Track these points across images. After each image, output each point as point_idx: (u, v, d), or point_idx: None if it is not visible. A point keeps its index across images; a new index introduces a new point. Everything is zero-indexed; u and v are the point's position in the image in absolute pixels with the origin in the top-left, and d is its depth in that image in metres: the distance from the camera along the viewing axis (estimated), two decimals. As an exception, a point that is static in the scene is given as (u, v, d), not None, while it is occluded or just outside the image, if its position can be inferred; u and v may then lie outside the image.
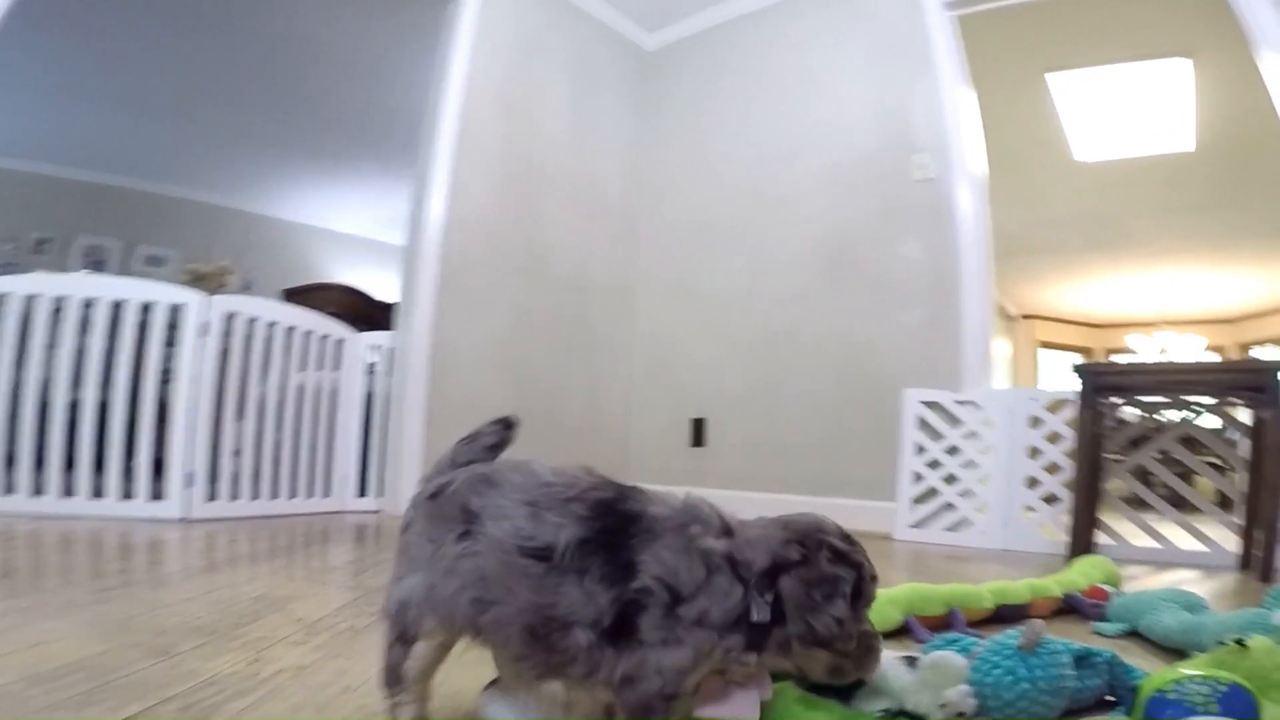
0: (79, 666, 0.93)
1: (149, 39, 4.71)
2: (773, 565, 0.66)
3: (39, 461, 2.54)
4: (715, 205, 4.08)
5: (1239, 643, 0.79)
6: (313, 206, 7.64)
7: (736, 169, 4.04)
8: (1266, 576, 2.12)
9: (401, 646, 0.72)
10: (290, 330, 3.03)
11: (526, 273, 3.70)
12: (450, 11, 3.56)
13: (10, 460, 2.51)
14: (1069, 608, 1.49)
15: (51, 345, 2.60)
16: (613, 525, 0.65)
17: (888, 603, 1.24)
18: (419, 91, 3.63)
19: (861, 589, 0.69)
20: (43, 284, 2.66)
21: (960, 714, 0.76)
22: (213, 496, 2.73)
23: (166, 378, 2.71)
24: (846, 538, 0.70)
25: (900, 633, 1.25)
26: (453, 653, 0.75)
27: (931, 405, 3.06)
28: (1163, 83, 4.75)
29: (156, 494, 2.64)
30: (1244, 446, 2.41)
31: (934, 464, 3.01)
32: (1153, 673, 0.78)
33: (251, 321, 2.90)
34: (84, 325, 2.65)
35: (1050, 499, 2.74)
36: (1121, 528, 2.63)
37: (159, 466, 2.67)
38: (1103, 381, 2.44)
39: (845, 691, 0.79)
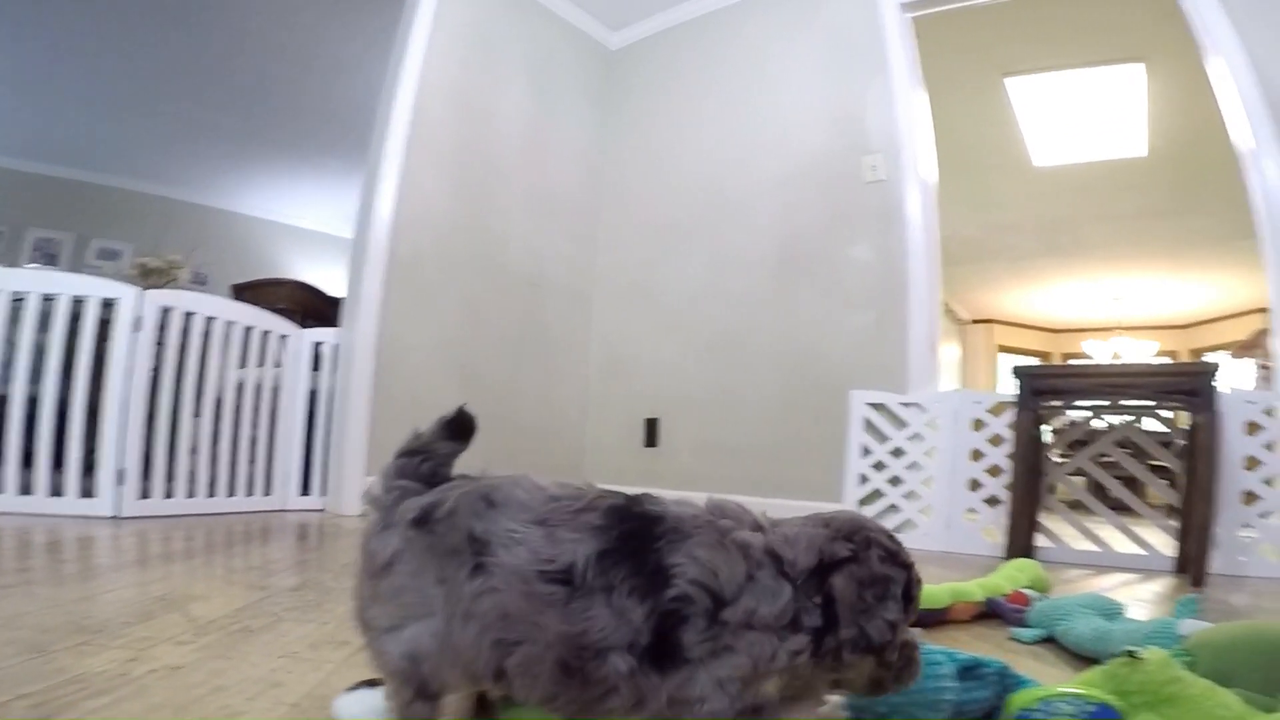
0: (-57, 665, 0.89)
1: (103, 32, 4.63)
2: (820, 563, 0.60)
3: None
4: (674, 206, 4.07)
5: (1131, 654, 0.78)
6: (272, 201, 7.57)
7: (694, 170, 4.03)
8: (1198, 581, 2.13)
9: (425, 704, 0.63)
10: (230, 325, 2.97)
11: (479, 271, 3.66)
12: (407, 8, 3.52)
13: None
14: (991, 612, 1.49)
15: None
16: (634, 530, 0.59)
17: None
18: (378, 87, 3.59)
19: (911, 592, 0.64)
20: (-31, 276, 2.58)
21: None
22: (146, 494, 2.67)
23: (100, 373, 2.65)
24: (892, 536, 0.66)
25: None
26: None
27: (877, 407, 3.07)
28: (1117, 88, 4.80)
29: (87, 491, 2.57)
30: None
31: (879, 466, 3.01)
32: (1027, 689, 0.77)
33: (189, 316, 2.84)
34: (13, 319, 2.58)
35: (992, 501, 2.75)
36: (1062, 531, 2.65)
37: (90, 463, 2.60)
38: (1040, 384, 2.45)
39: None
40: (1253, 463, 2.43)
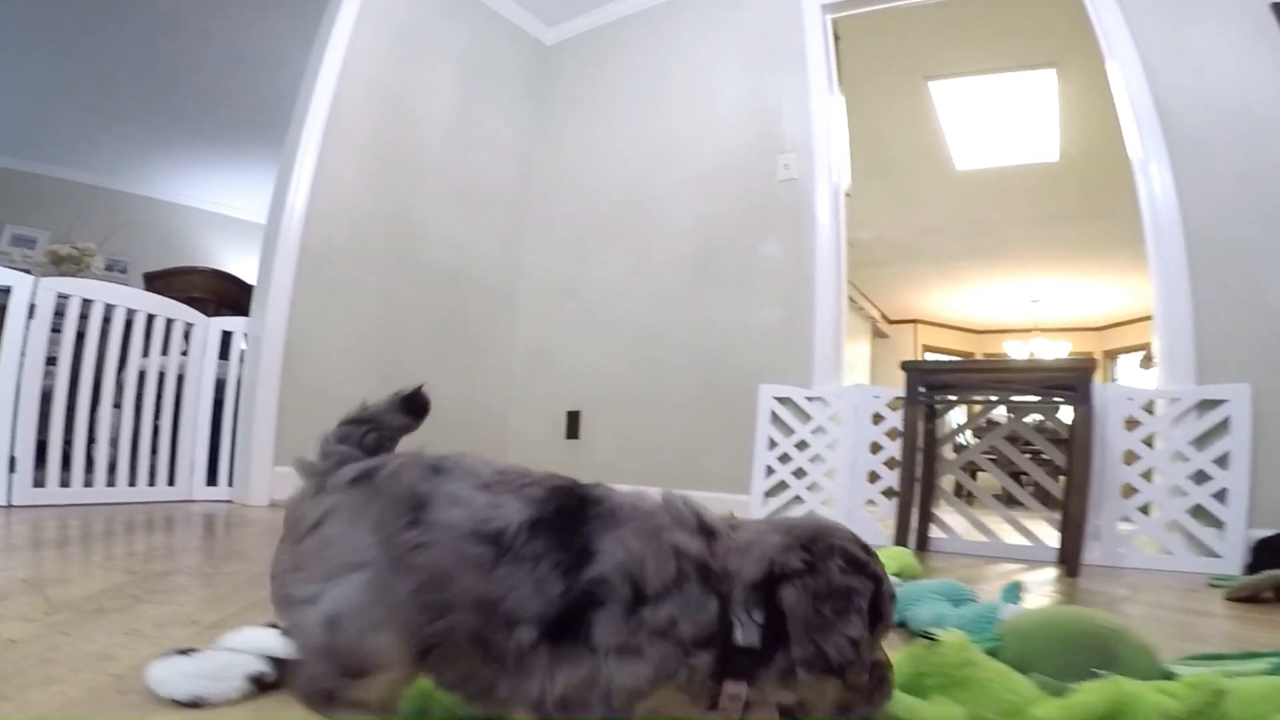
0: None
1: (22, 16, 4.50)
2: (769, 575, 0.56)
3: None
4: (600, 203, 4.11)
5: (928, 637, 0.79)
6: (198, 188, 7.42)
7: (621, 167, 4.07)
8: (1073, 571, 2.23)
9: (350, 682, 0.55)
10: (132, 314, 2.92)
11: (398, 264, 3.65)
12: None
13: None
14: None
15: None
16: (570, 506, 0.57)
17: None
18: (301, 76, 3.55)
19: (880, 607, 0.59)
20: None
21: None
22: (40, 483, 2.61)
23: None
24: (863, 546, 0.61)
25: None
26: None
27: (784, 401, 3.14)
28: (1030, 93, 4.95)
29: (-23, 481, 2.51)
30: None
31: (785, 458, 3.08)
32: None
33: (87, 304, 2.78)
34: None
35: (890, 493, 2.83)
36: (955, 522, 2.75)
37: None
38: (928, 380, 2.54)
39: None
40: (1131, 457, 2.55)
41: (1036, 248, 7.38)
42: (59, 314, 2.69)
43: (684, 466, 3.49)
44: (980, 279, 8.49)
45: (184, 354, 3.10)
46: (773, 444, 3.13)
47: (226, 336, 3.22)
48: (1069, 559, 2.21)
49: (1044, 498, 3.29)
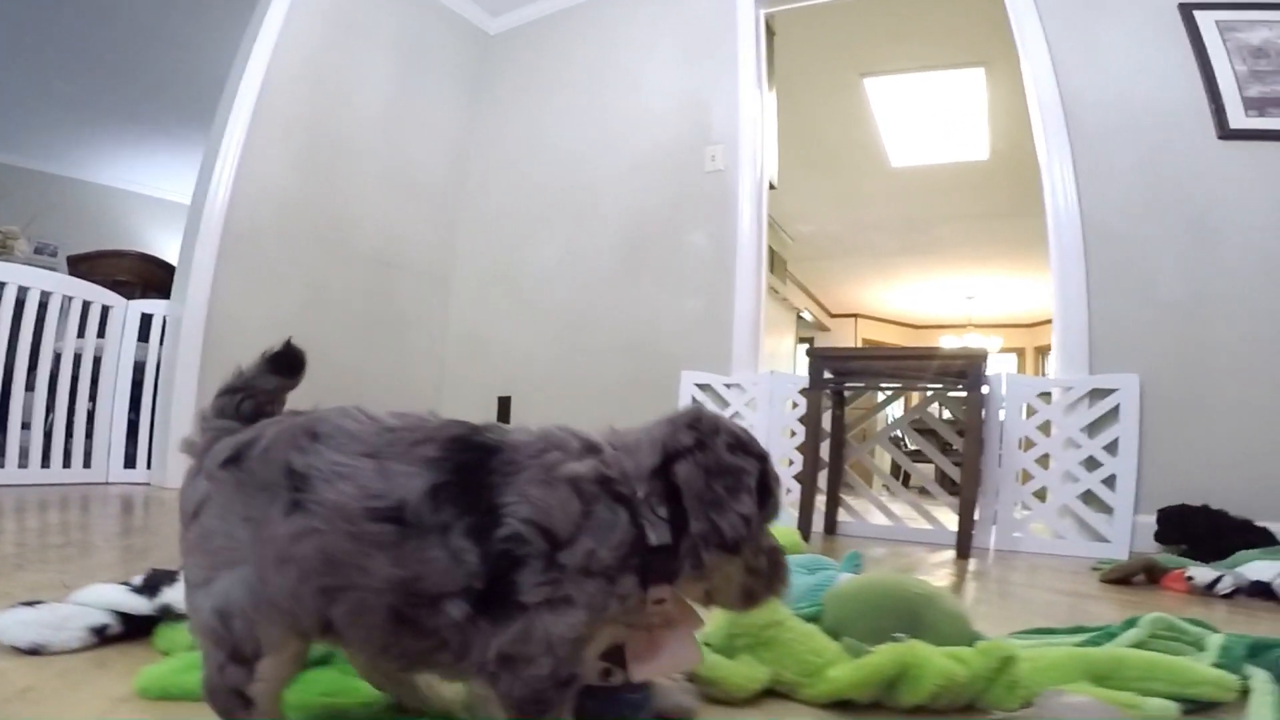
0: None
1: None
2: (665, 458, 0.56)
3: None
4: (536, 191, 4.13)
5: None
6: (129, 170, 7.26)
7: (558, 156, 4.10)
8: (964, 554, 2.31)
9: (240, 668, 0.54)
10: (46, 296, 2.87)
11: (325, 248, 3.63)
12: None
13: None
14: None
15: None
16: (469, 462, 0.54)
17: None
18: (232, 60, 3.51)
19: (768, 485, 0.59)
20: None
21: None
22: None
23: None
24: (744, 430, 0.61)
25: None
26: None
27: (704, 387, 3.20)
28: (961, 92, 5.04)
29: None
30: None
31: (704, 444, 3.13)
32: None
33: (1, 286, 2.73)
34: None
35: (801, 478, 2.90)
36: (863, 507, 2.83)
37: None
38: (831, 366, 2.61)
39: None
40: (1028, 444, 2.66)
41: (970, 245, 7.53)
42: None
43: (609, 453, 3.52)
44: (917, 275, 8.64)
45: (100, 336, 3.06)
46: (693, 430, 3.18)
47: (147, 319, 3.18)
48: (960, 542, 2.30)
49: (951, 484, 3.39)
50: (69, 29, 4.84)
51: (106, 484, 3.00)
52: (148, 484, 3.07)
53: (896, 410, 5.36)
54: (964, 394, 2.44)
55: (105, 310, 3.08)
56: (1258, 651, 0.94)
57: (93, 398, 3.03)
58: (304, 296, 3.53)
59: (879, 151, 5.98)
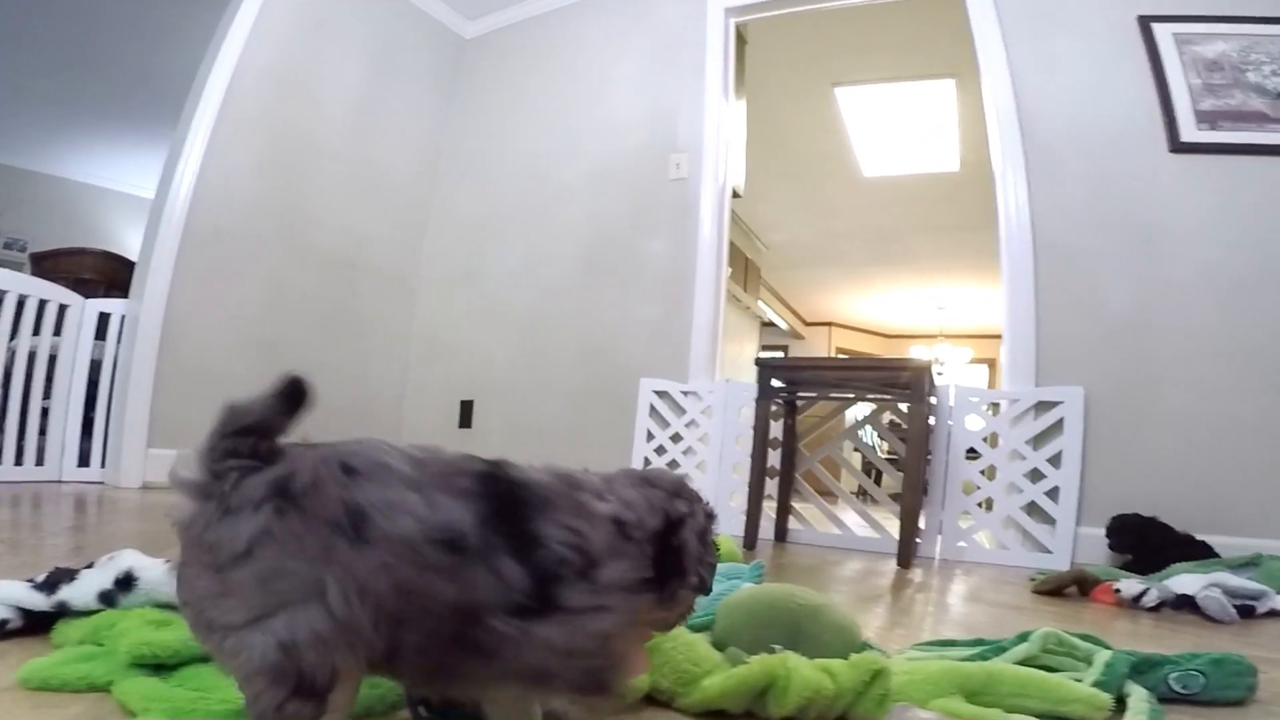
0: None
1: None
2: (668, 524, 0.68)
3: None
4: (503, 195, 4.14)
5: None
6: (102, 167, 7.21)
7: (526, 161, 4.11)
8: (904, 563, 2.34)
9: (307, 702, 0.53)
10: (1, 295, 2.86)
11: (288, 249, 3.63)
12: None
13: None
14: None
15: None
16: (504, 494, 0.60)
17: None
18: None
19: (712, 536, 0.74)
20: None
21: None
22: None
23: None
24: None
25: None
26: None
27: (661, 394, 3.22)
28: (932, 103, 5.08)
29: None
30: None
31: (660, 450, 3.16)
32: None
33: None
34: None
35: (756, 485, 2.92)
36: (812, 515, 2.85)
37: None
38: (778, 376, 2.63)
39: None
40: (973, 454, 2.69)
41: (941, 256, 7.59)
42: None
43: (568, 456, 3.49)
44: (889, 285, 8.70)
45: (56, 335, 3.04)
46: (650, 436, 3.21)
47: (105, 318, 3.16)
48: (901, 551, 2.32)
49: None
50: (41, 24, 4.82)
51: (59, 482, 2.98)
52: (101, 483, 3.06)
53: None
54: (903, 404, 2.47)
55: (62, 309, 3.06)
56: (1144, 669, 0.96)
57: (48, 396, 3.01)
58: (265, 296, 3.52)
59: (851, 161, 6.02)
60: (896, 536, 2.64)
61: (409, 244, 4.29)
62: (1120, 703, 0.88)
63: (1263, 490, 2.42)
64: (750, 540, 2.50)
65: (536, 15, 4.34)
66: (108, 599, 0.91)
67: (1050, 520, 2.55)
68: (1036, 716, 0.80)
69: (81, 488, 2.88)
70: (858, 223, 7.14)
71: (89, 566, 0.96)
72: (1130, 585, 1.80)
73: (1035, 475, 2.60)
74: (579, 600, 0.58)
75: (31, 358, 2.96)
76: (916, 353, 9.59)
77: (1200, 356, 2.56)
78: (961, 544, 2.62)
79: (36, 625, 0.90)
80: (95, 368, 3.14)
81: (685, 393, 3.17)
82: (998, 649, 1.01)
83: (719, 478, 2.99)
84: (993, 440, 2.69)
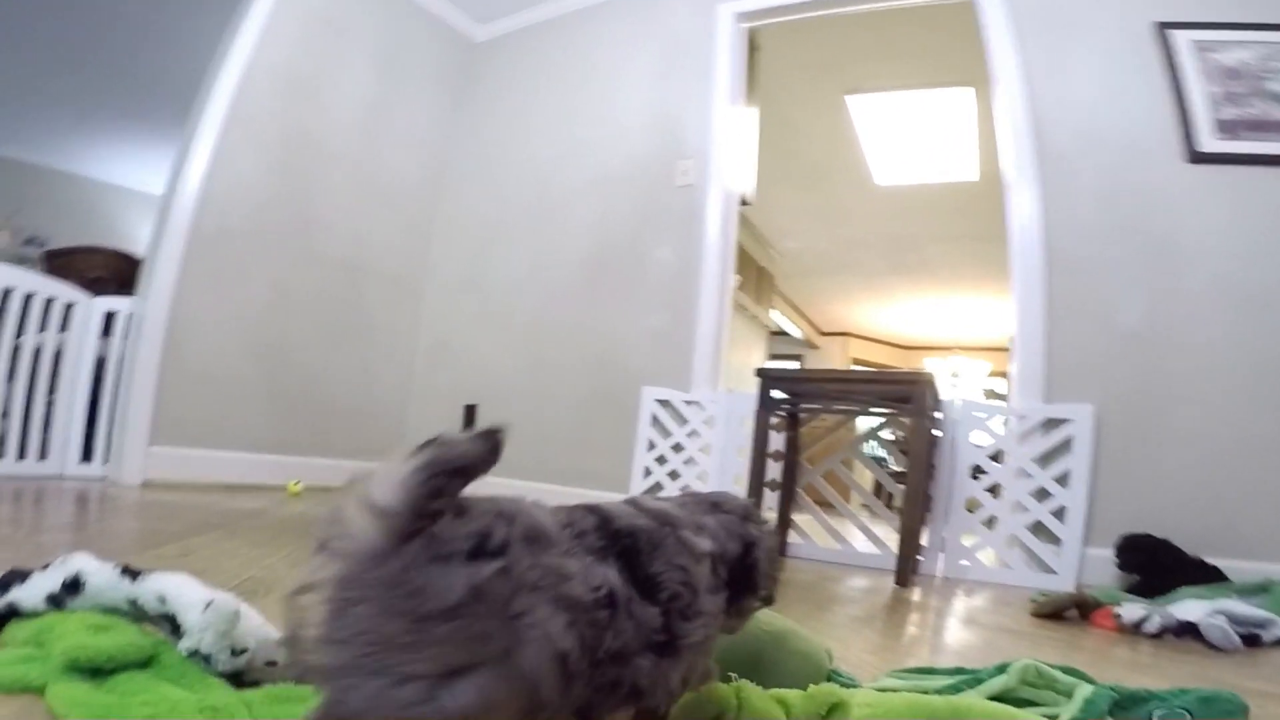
0: None
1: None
2: (744, 547, 0.74)
3: None
4: (510, 200, 4.13)
5: None
6: (121, 166, 7.26)
7: (532, 166, 4.10)
8: (902, 581, 2.28)
9: None
10: (9, 292, 2.88)
11: (294, 251, 3.63)
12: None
13: None
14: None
15: None
16: (627, 547, 0.64)
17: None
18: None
19: None
20: None
21: (270, 662, 0.78)
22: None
23: None
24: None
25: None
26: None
27: (664, 403, 3.19)
28: (951, 111, 5.01)
29: None
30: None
31: (662, 460, 3.13)
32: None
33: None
34: None
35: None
36: (812, 529, 2.81)
37: None
38: (784, 387, 2.59)
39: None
40: (978, 472, 2.63)
41: (959, 267, 7.50)
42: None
43: (569, 464, 3.52)
44: (904, 294, 8.61)
45: (62, 331, 3.06)
46: (651, 445, 3.17)
47: (112, 316, 3.18)
48: (900, 569, 2.27)
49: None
50: (58, 24, 4.86)
51: (61, 477, 2.99)
52: (103, 478, 3.06)
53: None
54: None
55: (68, 306, 3.08)
56: (1127, 705, 0.92)
57: (52, 392, 3.03)
58: (270, 298, 3.52)
59: (864, 169, 5.96)
60: (895, 551, 2.60)
61: (415, 248, 4.28)
62: (1098, 742, 0.83)
63: (1277, 513, 2.35)
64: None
65: (546, 20, 4.32)
66: (55, 601, 0.89)
67: (1056, 540, 2.49)
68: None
69: (83, 484, 2.89)
70: (872, 231, 7.07)
71: (45, 568, 0.95)
72: (1131, 610, 1.75)
73: (1042, 494, 2.54)
74: (690, 631, 0.64)
75: (37, 354, 2.97)
76: (931, 365, 9.49)
77: (1214, 372, 2.49)
78: (964, 562, 2.57)
79: (-8, 625, 0.89)
80: (101, 365, 3.15)
81: (688, 402, 3.14)
82: (974, 680, 0.97)
83: (720, 489, 2.94)
84: (999, 456, 2.63)
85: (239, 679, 0.79)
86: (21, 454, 2.92)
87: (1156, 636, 1.69)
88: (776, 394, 2.58)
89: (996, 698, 0.91)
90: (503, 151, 4.24)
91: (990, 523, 2.62)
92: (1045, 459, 2.56)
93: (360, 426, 3.92)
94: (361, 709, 0.50)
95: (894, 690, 0.92)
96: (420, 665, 0.50)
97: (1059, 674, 0.97)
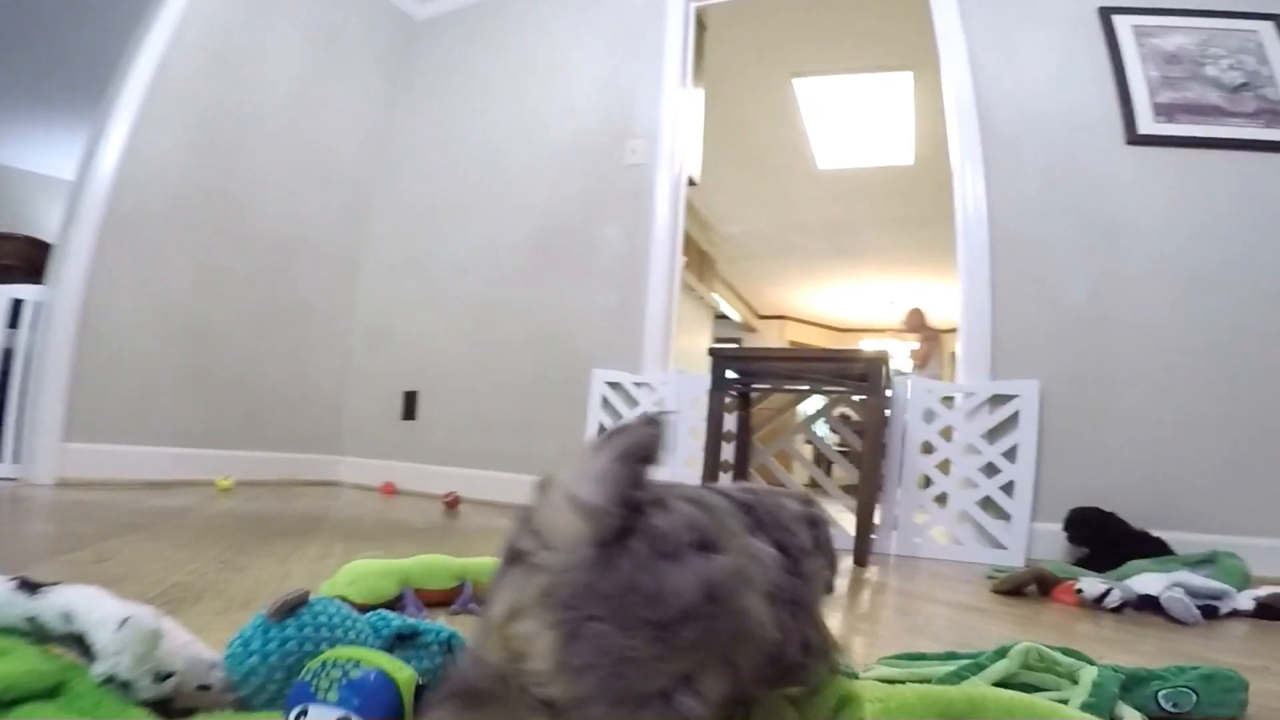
0: None
1: None
2: (816, 521, 0.75)
3: None
4: (456, 180, 4.00)
5: None
6: (25, 149, 6.89)
7: (478, 145, 3.98)
8: (860, 560, 2.27)
9: None
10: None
11: (222, 233, 3.45)
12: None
13: None
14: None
15: None
16: (757, 521, 0.64)
17: (382, 574, 1.19)
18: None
19: None
20: None
21: (204, 686, 0.69)
22: None
23: None
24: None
25: (393, 605, 1.17)
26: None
27: (614, 386, 3.13)
28: (889, 95, 5.04)
29: None
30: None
31: (611, 444, 3.06)
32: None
33: None
34: None
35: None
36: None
37: None
38: (736, 366, 2.55)
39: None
40: (929, 449, 2.64)
41: (895, 250, 7.60)
42: None
43: (517, 449, 3.44)
44: (842, 278, 8.70)
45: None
46: (602, 429, 3.10)
47: (19, 305, 2.97)
48: (858, 548, 2.26)
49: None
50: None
51: (-34, 478, 2.80)
52: (14, 479, 2.87)
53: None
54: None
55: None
56: (1131, 686, 0.89)
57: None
58: (195, 281, 3.34)
59: (807, 153, 5.98)
60: (851, 533, 2.60)
61: (353, 229, 4.13)
62: (1112, 725, 0.80)
63: (1218, 486, 2.40)
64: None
65: (491, -2, 4.20)
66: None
67: (1005, 515, 2.51)
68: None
69: (-8, 485, 2.70)
70: (812, 215, 7.11)
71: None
72: (1092, 585, 1.75)
73: (990, 470, 2.55)
74: (809, 592, 0.65)
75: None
76: (867, 347, 9.60)
77: (1157, 351, 2.54)
78: (917, 540, 2.57)
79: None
80: (8, 357, 2.94)
81: (638, 384, 3.08)
82: (976, 666, 0.93)
83: (672, 472, 2.90)
84: (947, 434, 2.65)
85: (166, 707, 0.67)
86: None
87: (1117, 610, 1.70)
88: (729, 374, 2.54)
89: (1000, 684, 0.88)
90: (446, 131, 4.11)
91: (942, 499, 2.63)
92: (992, 434, 2.58)
93: (294, 415, 3.77)
94: None
95: (892, 680, 0.88)
96: (663, 680, 0.45)
97: (1060, 656, 0.94)
